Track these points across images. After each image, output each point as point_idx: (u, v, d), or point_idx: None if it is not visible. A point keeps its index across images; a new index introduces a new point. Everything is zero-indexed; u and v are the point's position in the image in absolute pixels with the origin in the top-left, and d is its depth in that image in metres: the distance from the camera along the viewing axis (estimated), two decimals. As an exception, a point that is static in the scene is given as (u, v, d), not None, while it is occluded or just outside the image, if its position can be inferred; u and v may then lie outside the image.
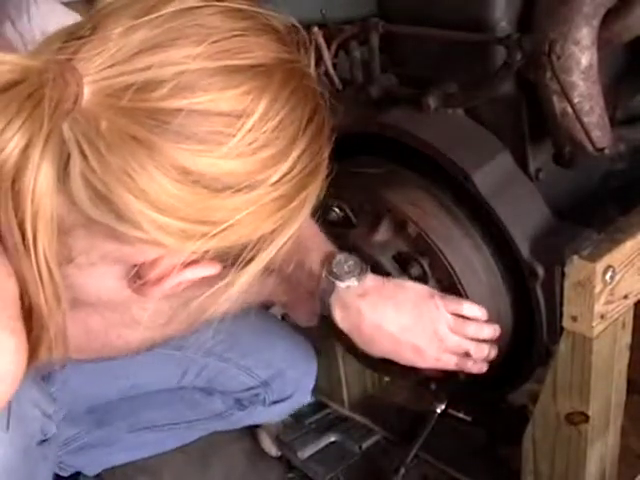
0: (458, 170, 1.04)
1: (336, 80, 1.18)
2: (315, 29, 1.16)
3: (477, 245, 1.07)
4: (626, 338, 1.08)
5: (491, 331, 1.05)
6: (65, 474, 1.36)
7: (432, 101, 1.07)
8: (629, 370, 1.11)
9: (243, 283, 0.64)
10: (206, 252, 0.61)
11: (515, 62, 0.97)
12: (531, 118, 1.06)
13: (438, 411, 1.27)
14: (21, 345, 0.58)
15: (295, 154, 0.61)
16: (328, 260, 1.00)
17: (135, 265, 0.63)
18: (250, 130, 0.58)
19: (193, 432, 1.40)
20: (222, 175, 0.58)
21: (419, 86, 1.09)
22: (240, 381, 1.32)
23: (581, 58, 0.96)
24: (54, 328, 0.60)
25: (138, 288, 0.64)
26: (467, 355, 1.04)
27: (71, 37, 0.57)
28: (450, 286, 1.06)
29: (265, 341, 1.32)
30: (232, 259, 0.63)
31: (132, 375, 1.26)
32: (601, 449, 1.12)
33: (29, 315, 0.58)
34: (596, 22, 0.96)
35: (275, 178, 0.60)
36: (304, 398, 1.38)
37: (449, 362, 1.04)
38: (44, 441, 0.99)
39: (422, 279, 1.06)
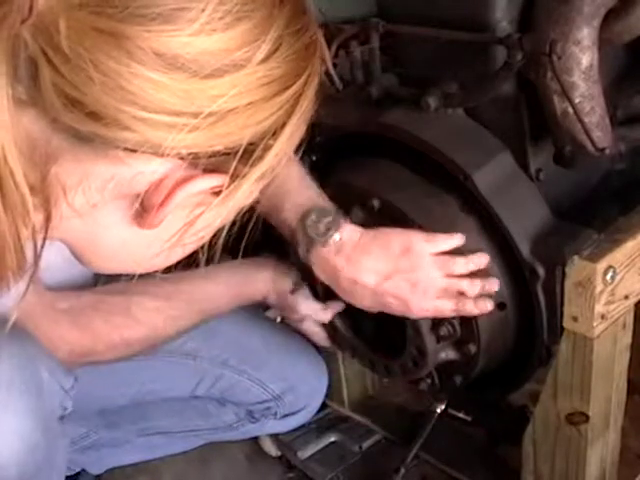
0: (458, 170, 1.04)
1: (336, 80, 1.18)
2: (315, 29, 1.16)
3: (477, 245, 1.07)
4: (627, 338, 1.08)
5: (480, 260, 1.02)
6: (68, 473, 1.36)
7: (432, 101, 1.06)
8: (629, 370, 1.11)
9: (245, 191, 0.61)
10: (205, 157, 0.57)
11: (516, 62, 0.96)
12: (531, 118, 1.06)
13: (438, 411, 1.27)
14: None
15: (276, 29, 0.57)
16: (303, 218, 1.02)
17: (138, 195, 0.59)
18: (219, 2, 0.54)
19: (203, 439, 1.40)
20: (199, 55, 0.54)
21: (419, 86, 1.09)
22: (253, 394, 1.33)
23: (582, 58, 0.96)
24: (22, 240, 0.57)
25: (146, 221, 0.61)
26: (463, 295, 1.01)
27: None
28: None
29: (279, 355, 1.33)
30: (234, 166, 0.59)
31: (146, 381, 1.26)
32: (601, 449, 1.12)
33: None
34: (597, 22, 0.96)
35: (260, 56, 0.56)
36: (313, 412, 1.40)
37: (444, 308, 1.02)
38: (62, 417, 0.98)
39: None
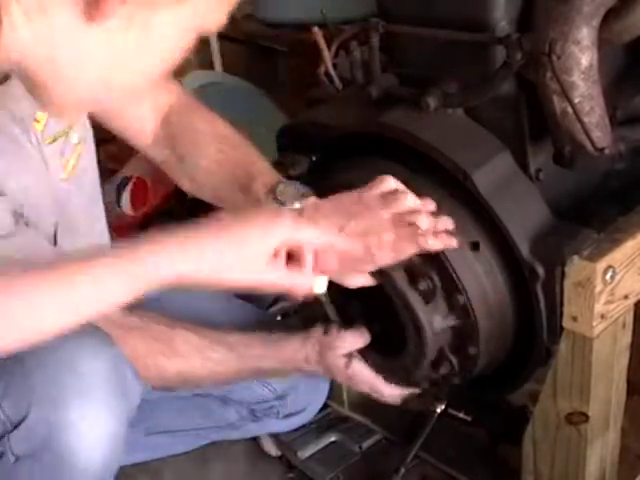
0: (458, 170, 1.04)
1: (336, 80, 1.18)
2: (315, 29, 1.17)
3: (482, 255, 1.07)
4: (626, 338, 1.08)
5: (428, 202, 1.03)
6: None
7: (432, 101, 1.07)
8: (629, 370, 1.11)
9: None
10: None
11: (515, 62, 0.97)
12: (531, 118, 1.06)
13: (438, 411, 1.27)
14: None
15: None
16: (272, 189, 1.07)
17: None
18: None
19: (204, 439, 1.40)
20: None
21: (419, 86, 1.09)
22: (256, 392, 1.33)
23: (581, 58, 0.96)
24: None
25: (96, 12, 0.63)
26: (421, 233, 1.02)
27: None
28: (449, 285, 1.06)
29: None
30: None
31: None
32: (601, 449, 1.12)
33: None
34: (596, 22, 0.96)
35: None
36: (315, 412, 1.39)
37: (405, 249, 1.02)
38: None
39: (438, 310, 1.08)
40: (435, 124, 1.09)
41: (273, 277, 0.93)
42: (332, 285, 1.18)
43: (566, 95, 0.97)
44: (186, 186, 1.21)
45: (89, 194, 1.16)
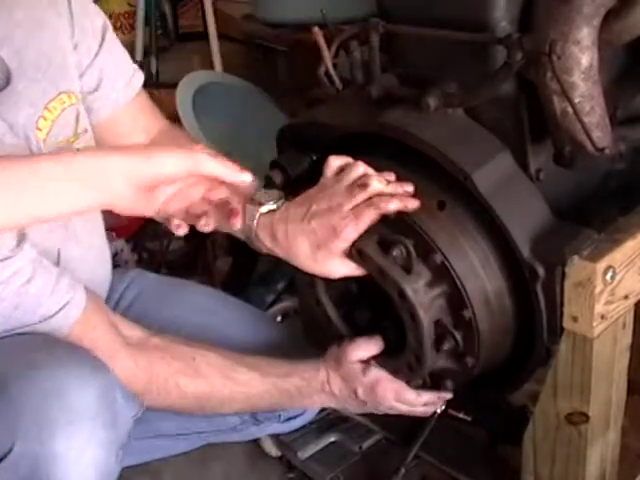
0: (458, 170, 1.04)
1: (336, 80, 1.18)
2: (315, 29, 1.17)
3: (477, 245, 1.07)
4: (626, 338, 1.08)
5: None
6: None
7: (432, 101, 1.07)
8: (629, 370, 1.12)
9: None
10: None
11: (515, 62, 0.97)
12: (531, 118, 1.06)
13: (438, 411, 1.27)
14: None
15: None
16: (251, 195, 1.12)
17: None
18: None
19: (204, 440, 1.40)
20: None
21: (419, 86, 1.09)
22: None
23: (581, 58, 0.96)
24: None
25: None
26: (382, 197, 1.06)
27: None
28: (450, 286, 1.06)
29: (283, 356, 1.33)
30: None
31: None
32: (601, 449, 1.12)
33: None
34: (596, 22, 0.96)
35: None
36: (315, 412, 1.39)
37: (366, 214, 1.05)
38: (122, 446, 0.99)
39: (420, 277, 1.06)
40: (435, 124, 1.09)
41: (212, 164, 0.96)
42: (334, 289, 1.18)
43: (566, 95, 0.97)
44: None
45: None
